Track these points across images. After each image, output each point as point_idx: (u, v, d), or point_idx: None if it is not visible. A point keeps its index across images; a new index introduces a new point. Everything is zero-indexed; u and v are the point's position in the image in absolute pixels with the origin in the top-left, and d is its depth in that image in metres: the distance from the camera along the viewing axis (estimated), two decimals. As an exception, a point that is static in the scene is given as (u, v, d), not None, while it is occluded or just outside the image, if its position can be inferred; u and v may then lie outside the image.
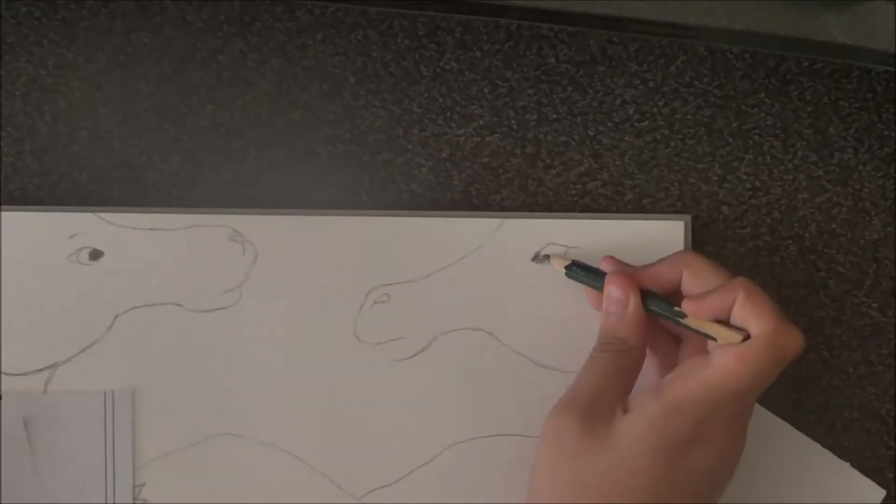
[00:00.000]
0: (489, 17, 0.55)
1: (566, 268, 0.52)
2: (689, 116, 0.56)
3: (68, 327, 0.53)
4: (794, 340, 0.46)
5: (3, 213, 0.53)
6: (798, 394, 0.55)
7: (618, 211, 0.55)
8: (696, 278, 0.49)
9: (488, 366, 0.51)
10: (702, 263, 0.49)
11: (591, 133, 0.56)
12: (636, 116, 0.56)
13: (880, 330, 0.55)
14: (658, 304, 0.49)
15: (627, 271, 0.51)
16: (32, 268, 0.53)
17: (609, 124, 0.56)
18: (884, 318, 0.55)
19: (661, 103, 0.56)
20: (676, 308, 0.49)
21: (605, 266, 0.52)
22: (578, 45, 0.56)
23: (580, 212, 0.55)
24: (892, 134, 0.56)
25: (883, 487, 0.54)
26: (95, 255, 0.53)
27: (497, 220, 0.54)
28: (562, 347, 0.53)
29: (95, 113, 0.55)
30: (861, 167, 0.56)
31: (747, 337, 0.47)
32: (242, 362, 0.53)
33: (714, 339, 0.47)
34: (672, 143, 0.56)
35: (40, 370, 0.52)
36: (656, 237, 0.54)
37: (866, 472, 0.54)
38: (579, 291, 0.53)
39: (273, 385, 0.52)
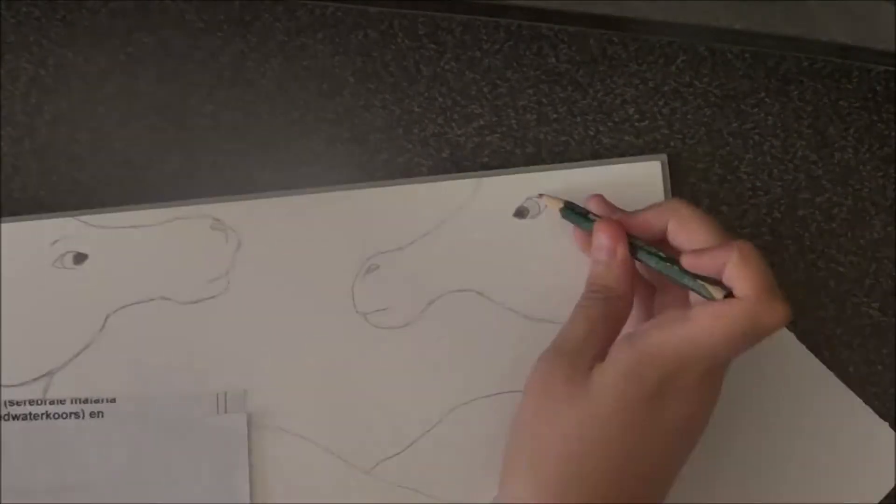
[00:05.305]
0: (489, 17, 0.55)
1: (560, 210, 0.52)
2: (689, 116, 0.56)
3: (60, 333, 0.52)
4: (774, 314, 0.45)
5: None
6: (798, 394, 0.55)
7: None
8: (683, 228, 0.48)
9: (482, 325, 0.51)
10: (690, 213, 0.49)
11: (591, 133, 0.56)
12: (636, 116, 0.56)
13: (880, 330, 0.55)
14: (647, 252, 0.49)
15: (616, 216, 0.50)
16: (17, 278, 0.53)
17: (609, 124, 0.56)
18: (884, 318, 0.55)
19: (661, 103, 0.56)
20: (664, 258, 0.48)
21: (591, 205, 0.52)
22: (578, 44, 0.56)
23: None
24: (892, 134, 0.56)
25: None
26: (80, 258, 0.53)
27: (474, 180, 0.54)
28: (552, 299, 0.52)
29: (95, 113, 0.55)
30: (861, 167, 0.56)
31: (729, 296, 0.46)
32: (239, 349, 0.53)
33: (698, 293, 0.47)
34: (672, 143, 0.56)
35: (37, 378, 0.52)
36: (635, 180, 0.54)
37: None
38: (564, 242, 0.52)
39: (271, 369, 0.52)
